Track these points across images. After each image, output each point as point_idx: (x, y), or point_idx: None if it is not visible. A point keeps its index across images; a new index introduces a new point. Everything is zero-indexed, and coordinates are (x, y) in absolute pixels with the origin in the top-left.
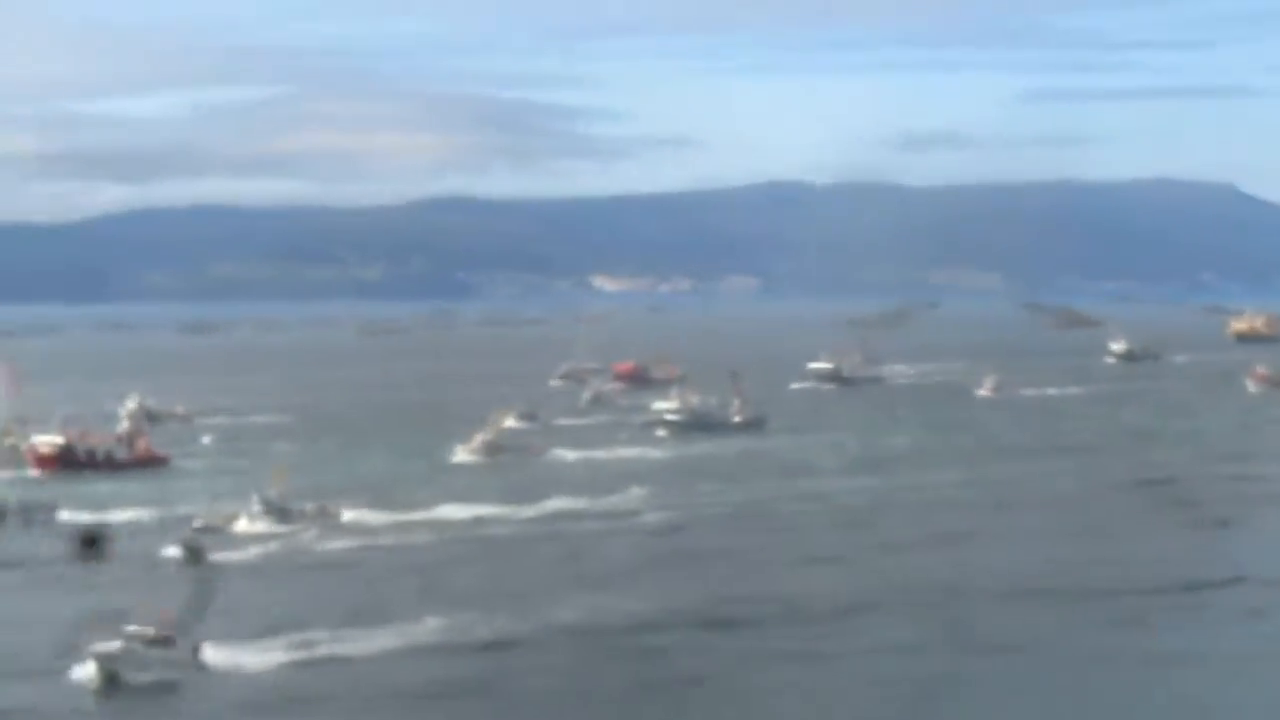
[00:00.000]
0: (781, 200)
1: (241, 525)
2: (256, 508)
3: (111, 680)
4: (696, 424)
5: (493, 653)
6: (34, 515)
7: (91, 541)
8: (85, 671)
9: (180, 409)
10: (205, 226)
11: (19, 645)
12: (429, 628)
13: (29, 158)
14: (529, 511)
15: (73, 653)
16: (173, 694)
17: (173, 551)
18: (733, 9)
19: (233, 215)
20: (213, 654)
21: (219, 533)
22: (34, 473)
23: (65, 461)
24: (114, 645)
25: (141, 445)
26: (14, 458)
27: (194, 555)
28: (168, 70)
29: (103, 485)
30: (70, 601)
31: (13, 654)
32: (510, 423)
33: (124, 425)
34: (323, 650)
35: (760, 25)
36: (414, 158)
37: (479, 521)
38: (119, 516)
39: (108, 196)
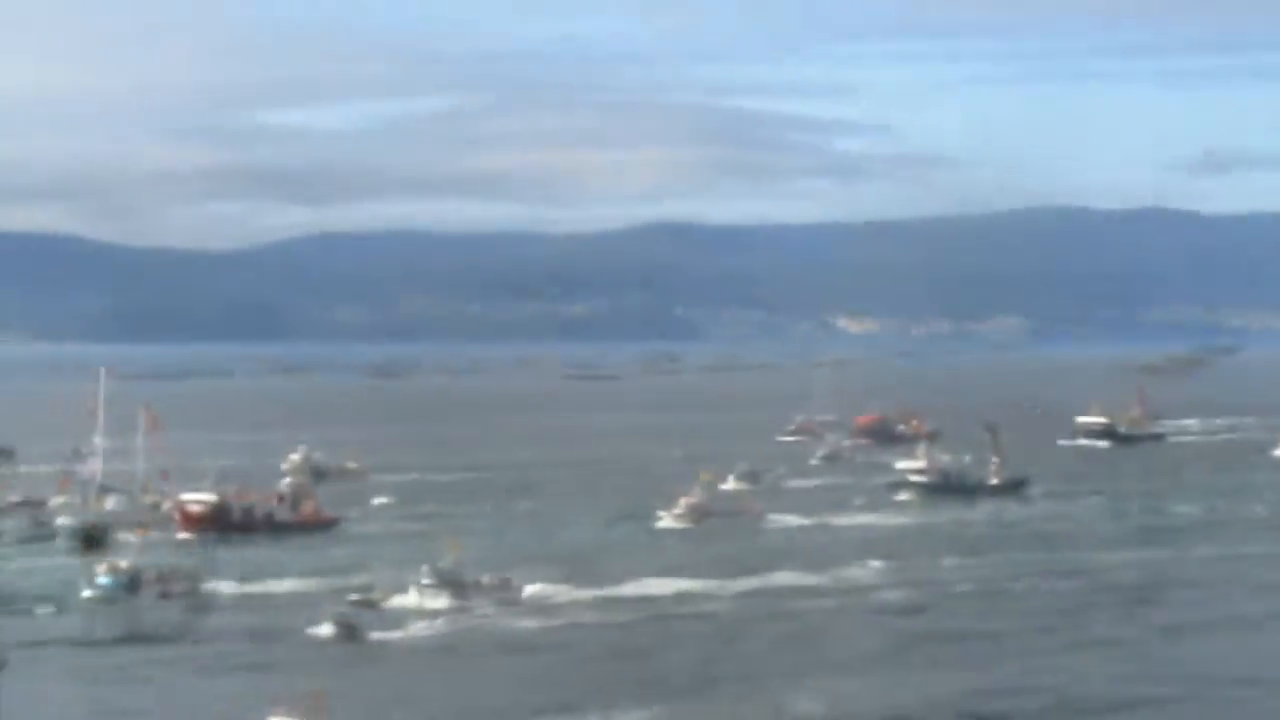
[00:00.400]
0: (1056, 229)
1: (409, 599)
2: (427, 580)
3: None
4: (946, 486)
5: None
6: (173, 584)
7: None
8: None
9: (353, 464)
10: (394, 255)
11: None
12: None
13: (197, 176)
14: (745, 585)
15: None
16: None
17: (325, 629)
18: (1000, 10)
19: (425, 242)
20: None
21: (377, 608)
22: (181, 535)
23: (218, 522)
24: None
25: (307, 506)
26: (155, 517)
27: (349, 633)
28: (353, 78)
29: (259, 551)
30: (203, 685)
31: None
32: (730, 483)
33: (287, 482)
34: None
35: (1031, 28)
36: (630, 178)
37: (685, 597)
38: (274, 587)
39: (285, 220)
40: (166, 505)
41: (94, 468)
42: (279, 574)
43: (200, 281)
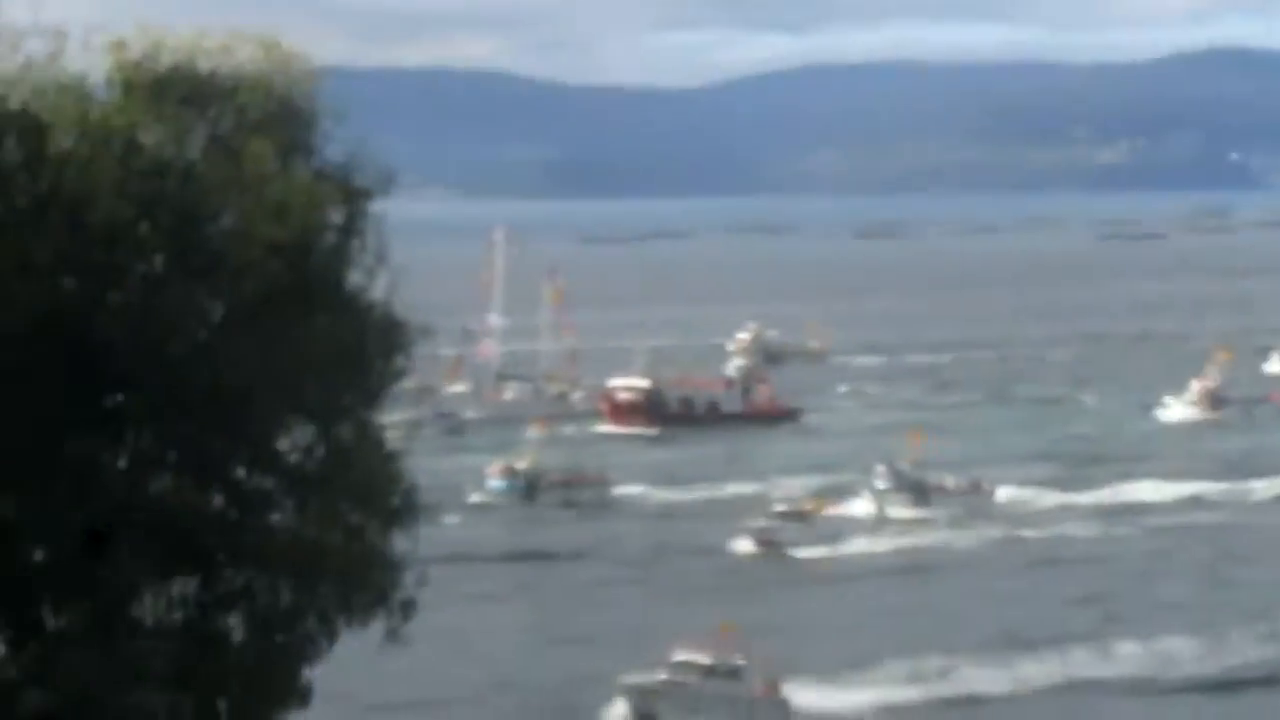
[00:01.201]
0: None
1: (858, 506)
2: (881, 482)
3: None
4: None
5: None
6: (577, 489)
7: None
8: (615, 713)
9: (816, 343)
10: (886, 92)
11: (531, 675)
12: (1122, 654)
13: (647, 1)
14: (1263, 490)
15: (603, 686)
16: None
17: (743, 545)
18: None
19: (922, 76)
20: (798, 691)
21: (808, 519)
22: (605, 427)
23: (650, 414)
24: (655, 678)
25: (760, 394)
26: (566, 407)
27: (771, 550)
28: None
29: (695, 447)
30: (594, 612)
31: (531, 684)
32: (1275, 364)
33: (735, 366)
34: (955, 687)
35: None
36: None
37: (1196, 503)
38: (700, 492)
39: (753, 52)
40: (576, 395)
41: (488, 351)
42: (711, 476)
43: (650, 125)
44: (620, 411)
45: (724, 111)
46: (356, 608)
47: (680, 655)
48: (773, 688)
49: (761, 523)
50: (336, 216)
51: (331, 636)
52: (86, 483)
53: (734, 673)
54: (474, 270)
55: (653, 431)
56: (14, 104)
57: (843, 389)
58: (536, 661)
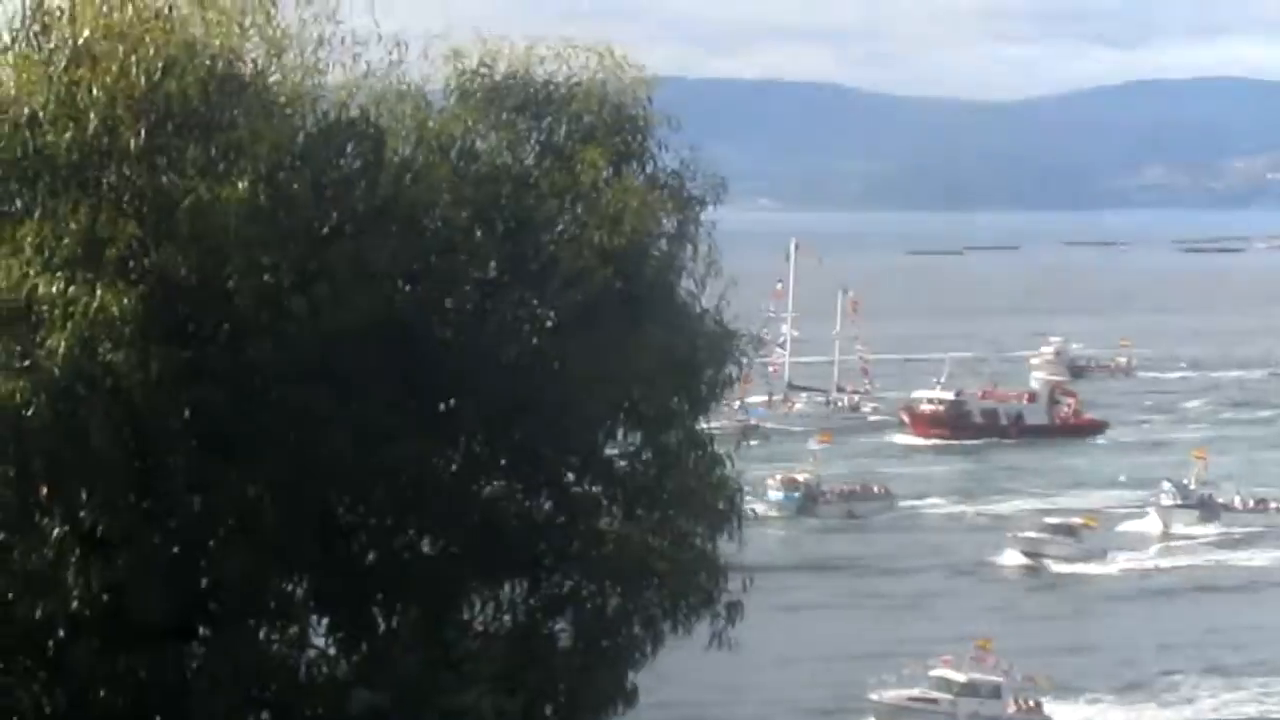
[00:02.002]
0: None
1: (1144, 523)
2: (1167, 499)
3: None
4: None
5: None
6: (860, 501)
7: None
8: None
9: (1123, 359)
10: (1214, 107)
11: (784, 687)
12: None
13: (977, 16)
14: None
15: (856, 701)
16: None
17: (1010, 557)
18: None
19: (1252, 92)
20: (1060, 711)
21: (1077, 533)
22: (905, 439)
23: (953, 425)
24: (904, 694)
25: (1065, 408)
26: (858, 419)
27: (1036, 564)
28: None
29: (992, 460)
30: (863, 625)
31: (784, 696)
32: None
33: (1040, 379)
34: (1233, 710)
35: None
36: None
37: None
38: (988, 506)
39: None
40: (869, 406)
41: (780, 361)
42: (1004, 489)
43: (980, 138)
44: (923, 423)
45: (1053, 125)
46: (682, 612)
47: (936, 671)
48: (1035, 708)
49: (1030, 535)
50: (669, 225)
51: (656, 641)
52: (419, 486)
53: (991, 690)
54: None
55: (954, 443)
56: (354, 111)
57: (1148, 403)
58: (792, 673)
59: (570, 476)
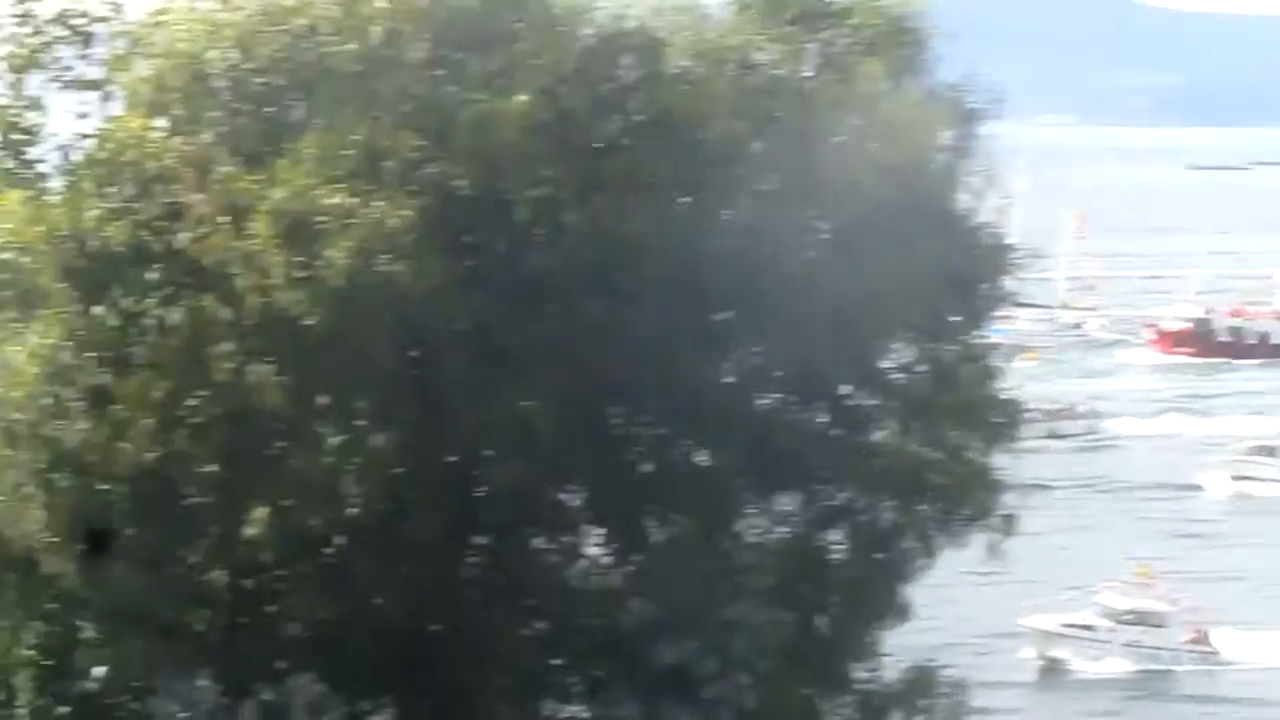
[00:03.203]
0: None
1: None
2: None
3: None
4: None
5: None
6: (1066, 425)
7: None
8: (1024, 655)
9: None
10: None
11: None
12: None
13: None
14: None
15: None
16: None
17: (1215, 480)
18: None
19: None
20: (1235, 643)
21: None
22: (1142, 356)
23: (1198, 343)
24: (1061, 620)
25: None
26: (1081, 336)
27: (1242, 486)
28: None
29: (1229, 379)
30: (1039, 552)
31: (953, 617)
32: None
33: None
34: None
35: None
36: None
37: None
38: (1213, 429)
39: None
40: (1095, 323)
41: None
42: (1231, 408)
43: (1273, 51)
44: (1167, 340)
45: None
46: (956, 525)
47: (1099, 597)
48: (1201, 637)
49: (1240, 458)
50: (947, 138)
51: (930, 554)
52: (695, 398)
53: (1157, 618)
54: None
55: (1196, 361)
56: (631, 23)
57: None
58: (966, 597)
59: (845, 389)
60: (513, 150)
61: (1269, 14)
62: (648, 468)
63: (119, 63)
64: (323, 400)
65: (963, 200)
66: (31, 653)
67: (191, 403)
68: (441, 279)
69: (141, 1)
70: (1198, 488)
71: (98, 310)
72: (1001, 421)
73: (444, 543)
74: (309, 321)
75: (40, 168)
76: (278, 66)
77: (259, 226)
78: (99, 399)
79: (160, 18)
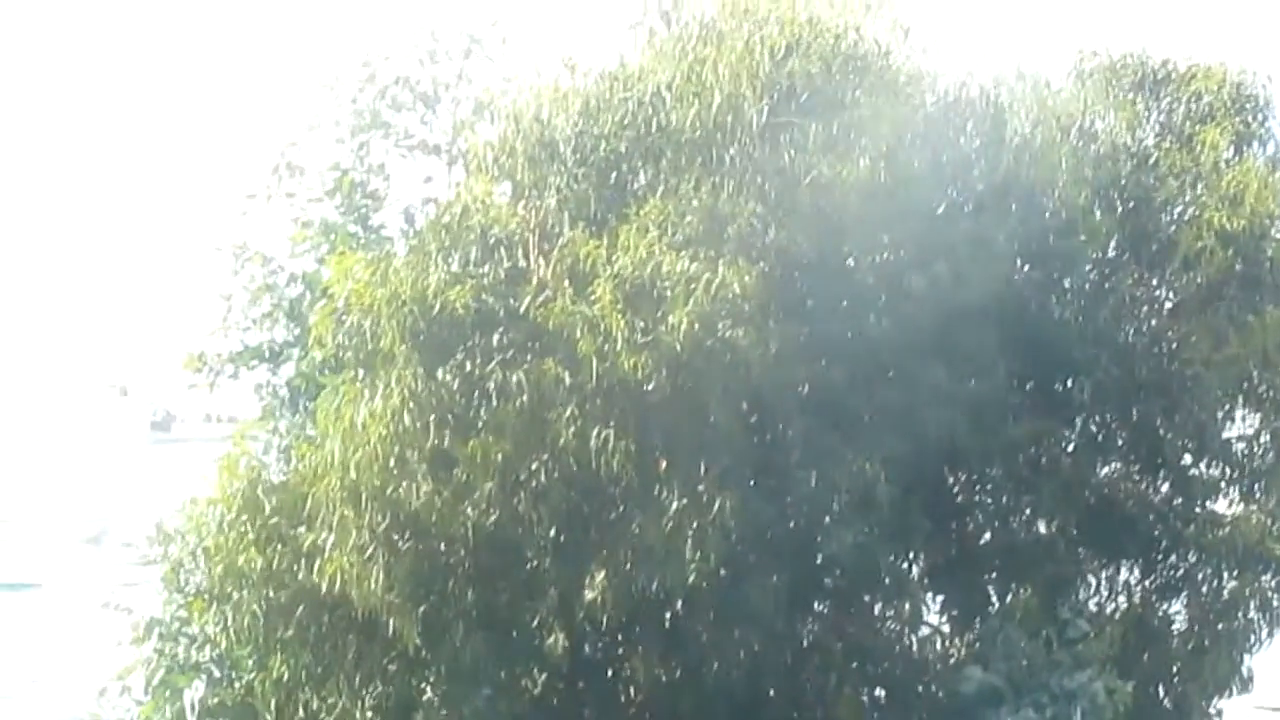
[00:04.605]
0: None
1: None
2: None
3: None
4: None
5: None
6: None
7: None
8: None
9: None
10: None
11: None
12: None
13: None
14: None
15: None
16: None
17: None
18: None
19: None
20: None
21: None
22: None
23: None
24: None
25: None
26: None
27: None
28: None
29: None
30: None
31: None
32: None
33: None
34: None
35: None
36: None
37: None
38: None
39: None
40: None
41: None
42: None
43: None
44: None
45: None
46: None
47: None
48: None
49: None
50: None
51: (1273, 624)
52: (1035, 465)
53: None
54: None
55: None
56: (973, 90)
57: None
58: None
59: (1187, 458)
60: (854, 215)
61: None
62: (987, 535)
63: (463, 128)
64: (663, 464)
65: None
66: (369, 714)
67: (533, 466)
68: (782, 344)
69: (485, 67)
70: None
71: (440, 373)
72: None
73: (783, 607)
74: (650, 386)
75: (384, 232)
76: (621, 132)
77: (601, 291)
78: (441, 462)
79: (506, 83)
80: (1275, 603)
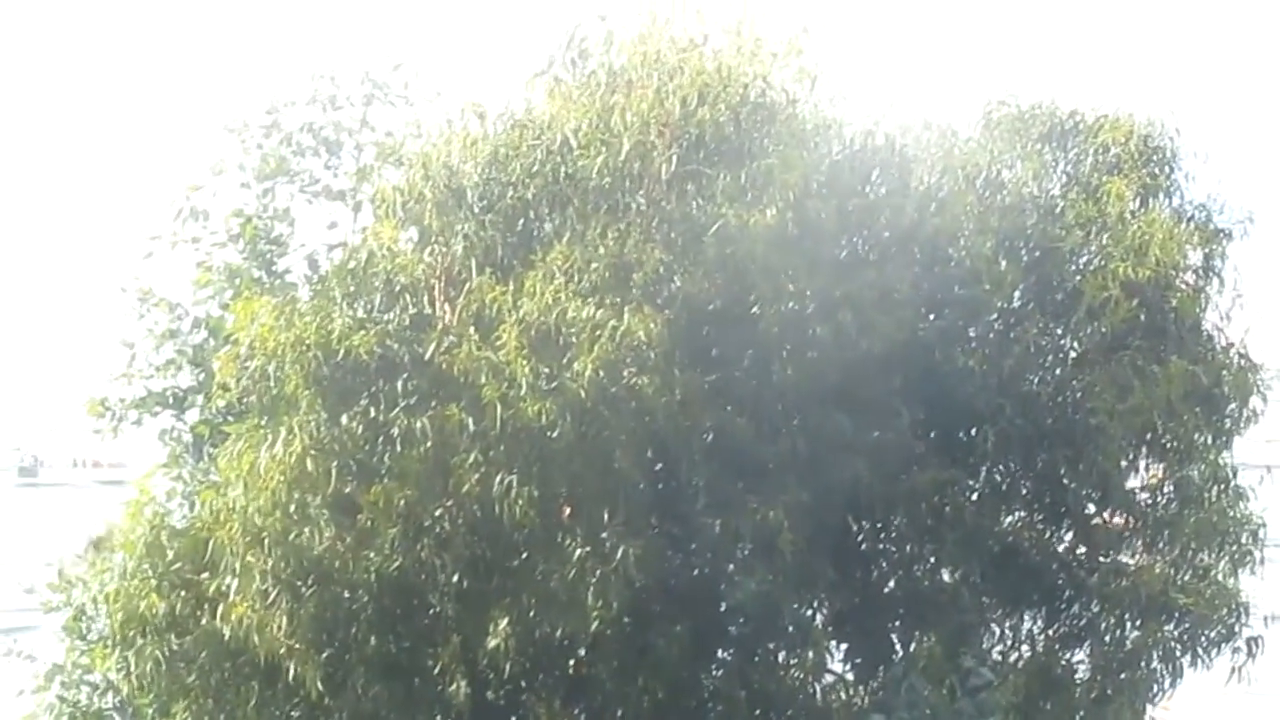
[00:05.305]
0: None
1: None
2: None
3: None
4: None
5: None
6: None
7: None
8: None
9: None
10: None
11: None
12: None
13: None
14: None
15: None
16: None
17: None
18: None
19: None
20: None
21: None
22: None
23: None
24: None
25: None
26: None
27: None
28: None
29: None
30: None
31: None
32: None
33: None
34: None
35: None
36: None
37: None
38: None
39: None
40: None
41: None
42: None
43: None
44: None
45: None
46: (1201, 646)
47: None
48: None
49: None
50: (1194, 257)
51: (1175, 675)
52: (939, 514)
53: None
54: None
55: None
56: (879, 139)
57: None
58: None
59: (1091, 508)
60: (760, 264)
61: None
62: (891, 583)
63: (368, 173)
64: (567, 511)
65: (1210, 320)
66: None
67: (436, 512)
68: (687, 391)
69: (388, 113)
70: None
71: (344, 419)
72: (1248, 543)
73: (687, 655)
74: (555, 432)
75: (288, 277)
76: (529, 179)
77: (507, 337)
78: (344, 507)
79: (412, 128)
80: (1178, 653)
